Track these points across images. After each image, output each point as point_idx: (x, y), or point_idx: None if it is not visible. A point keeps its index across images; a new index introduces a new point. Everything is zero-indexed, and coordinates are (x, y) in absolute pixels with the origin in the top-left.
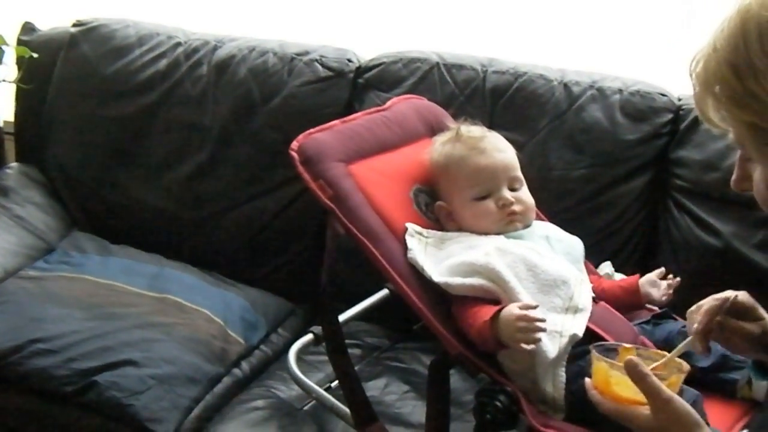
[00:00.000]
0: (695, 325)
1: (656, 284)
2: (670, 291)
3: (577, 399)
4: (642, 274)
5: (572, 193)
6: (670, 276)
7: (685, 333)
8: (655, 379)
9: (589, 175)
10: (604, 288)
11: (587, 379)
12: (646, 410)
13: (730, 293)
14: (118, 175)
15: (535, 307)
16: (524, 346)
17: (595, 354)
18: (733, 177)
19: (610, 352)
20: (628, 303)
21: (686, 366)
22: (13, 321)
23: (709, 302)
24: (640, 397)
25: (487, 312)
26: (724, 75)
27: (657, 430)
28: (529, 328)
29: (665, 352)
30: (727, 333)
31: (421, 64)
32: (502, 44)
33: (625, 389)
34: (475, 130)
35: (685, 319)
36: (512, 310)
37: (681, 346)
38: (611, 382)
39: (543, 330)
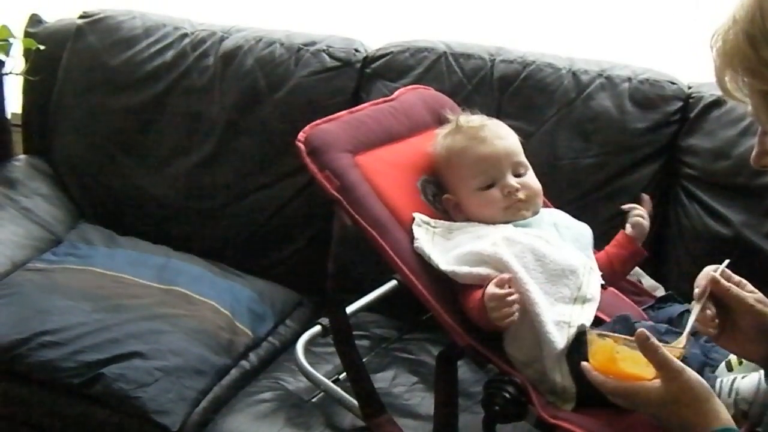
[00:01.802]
0: (696, 290)
1: (635, 216)
2: (696, 290)
3: (586, 386)
4: (649, 259)
5: (581, 183)
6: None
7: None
8: (666, 351)
9: (599, 164)
10: (600, 260)
11: (584, 363)
12: (655, 384)
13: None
14: (125, 166)
15: (508, 279)
16: (506, 322)
17: (596, 333)
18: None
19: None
20: (630, 254)
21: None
22: (20, 313)
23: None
24: (647, 373)
25: (479, 291)
26: (741, 45)
27: (668, 403)
28: (499, 306)
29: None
30: (730, 324)
31: (428, 54)
32: (509, 33)
33: (632, 365)
34: (474, 120)
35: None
36: (488, 289)
37: (689, 326)
38: (617, 358)
39: (513, 302)
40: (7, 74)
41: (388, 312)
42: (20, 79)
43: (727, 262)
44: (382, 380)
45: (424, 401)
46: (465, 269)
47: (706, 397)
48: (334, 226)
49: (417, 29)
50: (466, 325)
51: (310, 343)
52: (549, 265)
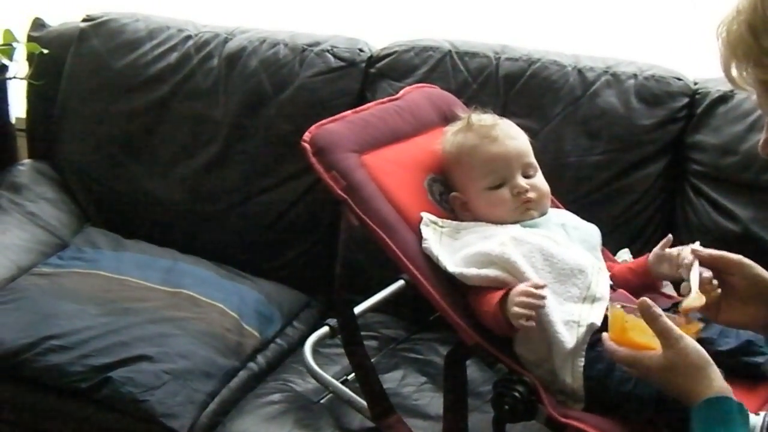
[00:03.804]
0: (684, 261)
1: (664, 258)
2: (685, 261)
3: (595, 385)
4: None
5: (588, 180)
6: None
7: None
8: (667, 319)
9: (605, 162)
10: (614, 273)
11: (604, 333)
12: (657, 353)
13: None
14: (130, 169)
15: (542, 286)
16: (522, 322)
17: (611, 303)
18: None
19: (632, 310)
20: (641, 284)
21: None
22: (27, 318)
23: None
24: (654, 342)
25: (498, 294)
26: (743, 35)
27: (667, 370)
28: (527, 303)
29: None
30: (724, 296)
31: (433, 53)
32: (514, 31)
33: (640, 334)
34: (486, 118)
35: None
36: (518, 287)
37: (693, 290)
38: (627, 327)
39: (541, 306)
40: (10, 79)
41: (396, 312)
42: (24, 84)
43: (697, 243)
44: (390, 381)
45: (434, 401)
46: (473, 271)
47: (702, 365)
48: (341, 227)
49: (421, 28)
50: (474, 325)
51: (318, 344)
52: (557, 265)
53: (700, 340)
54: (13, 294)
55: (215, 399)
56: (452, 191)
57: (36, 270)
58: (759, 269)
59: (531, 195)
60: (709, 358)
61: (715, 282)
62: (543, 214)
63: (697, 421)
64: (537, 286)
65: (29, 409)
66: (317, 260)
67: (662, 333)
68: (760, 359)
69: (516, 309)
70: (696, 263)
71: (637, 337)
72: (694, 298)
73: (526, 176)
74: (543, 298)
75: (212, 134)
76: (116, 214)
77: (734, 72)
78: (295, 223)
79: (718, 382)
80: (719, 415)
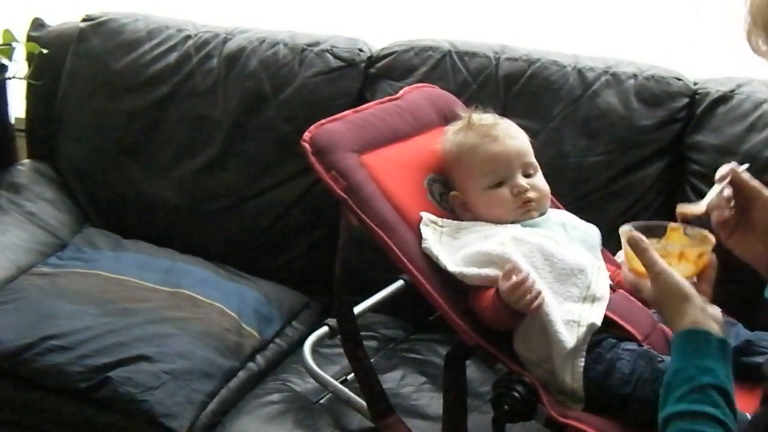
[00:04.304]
0: (718, 174)
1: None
2: (718, 174)
3: (595, 387)
4: None
5: (588, 180)
6: None
7: None
8: (653, 254)
9: (605, 162)
10: (613, 273)
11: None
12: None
13: None
14: (130, 169)
15: (511, 269)
16: (534, 306)
17: (624, 229)
18: None
19: (655, 229)
20: None
21: (711, 238)
22: (26, 318)
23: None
24: None
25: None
26: (762, 5)
27: (655, 302)
28: (519, 295)
29: (710, 236)
30: (743, 223)
31: (432, 53)
32: (514, 31)
33: (640, 264)
34: (487, 118)
35: None
36: (500, 287)
37: (708, 198)
38: (630, 257)
39: (531, 286)
40: (10, 78)
41: (396, 312)
42: (23, 84)
43: (746, 165)
44: (390, 381)
45: (433, 401)
46: (473, 270)
47: (680, 300)
48: (341, 227)
49: (421, 28)
50: (474, 325)
51: (318, 344)
52: (557, 265)
53: None
54: (13, 294)
55: (214, 399)
56: (452, 191)
57: (35, 270)
58: None
59: (531, 195)
60: (690, 292)
61: (731, 203)
62: (543, 214)
63: (673, 351)
64: (510, 274)
65: (28, 409)
66: (317, 260)
67: (647, 266)
68: (759, 359)
69: (520, 304)
70: (725, 182)
71: (639, 265)
72: (693, 206)
73: (527, 176)
74: (524, 279)
75: (212, 134)
76: (115, 214)
77: (753, 41)
78: (294, 223)
79: (693, 317)
80: (693, 346)
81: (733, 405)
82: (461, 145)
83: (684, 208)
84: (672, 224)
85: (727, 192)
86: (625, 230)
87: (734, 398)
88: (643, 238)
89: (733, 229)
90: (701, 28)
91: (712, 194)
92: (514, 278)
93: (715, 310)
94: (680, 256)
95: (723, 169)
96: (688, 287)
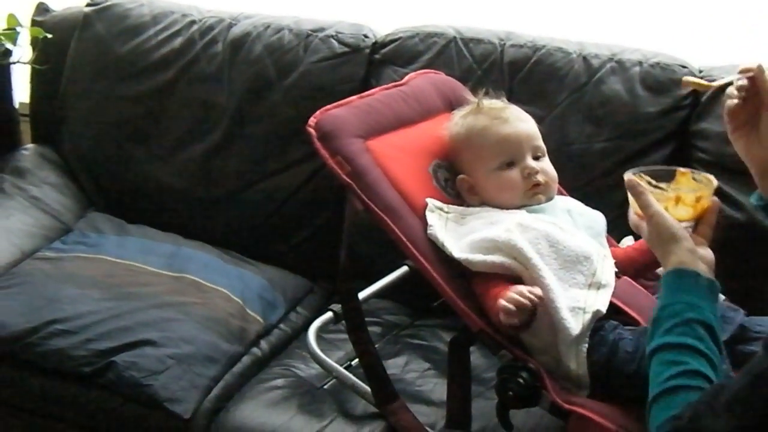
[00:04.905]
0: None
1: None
2: (742, 66)
3: (599, 369)
4: None
5: (592, 167)
6: None
7: None
8: (649, 197)
9: (610, 149)
10: (619, 257)
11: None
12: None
13: None
14: (134, 154)
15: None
16: (502, 317)
17: (628, 174)
18: None
19: (664, 174)
20: (644, 263)
21: (714, 182)
22: (31, 302)
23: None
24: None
25: (502, 289)
26: None
27: (649, 242)
28: (515, 299)
29: (713, 179)
30: (752, 123)
31: (438, 39)
32: (519, 18)
33: None
34: (495, 102)
35: None
36: (517, 287)
37: (721, 81)
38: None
39: (526, 305)
40: (14, 63)
41: (400, 298)
42: (28, 68)
43: None
44: (394, 366)
45: (437, 387)
46: (479, 257)
47: (668, 240)
48: (346, 212)
49: (426, 14)
50: (479, 311)
51: (322, 329)
52: (563, 251)
53: None
54: (17, 278)
55: (219, 384)
56: (458, 176)
57: (39, 254)
58: None
59: (540, 178)
60: (679, 233)
61: (739, 93)
62: (550, 199)
63: (662, 289)
64: (533, 292)
65: (32, 393)
66: (321, 246)
67: (642, 209)
68: (754, 346)
69: (502, 302)
70: (746, 74)
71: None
72: (699, 81)
73: (536, 159)
74: (534, 300)
75: (216, 119)
76: (120, 199)
77: None
78: (299, 208)
79: (680, 257)
80: (680, 285)
81: (718, 342)
82: (471, 128)
83: (690, 78)
84: (680, 169)
85: (743, 83)
86: (628, 175)
87: (720, 336)
88: (640, 182)
89: (742, 125)
90: (706, 16)
91: (727, 79)
92: (524, 289)
93: (707, 252)
94: (677, 199)
95: (747, 64)
96: (677, 228)
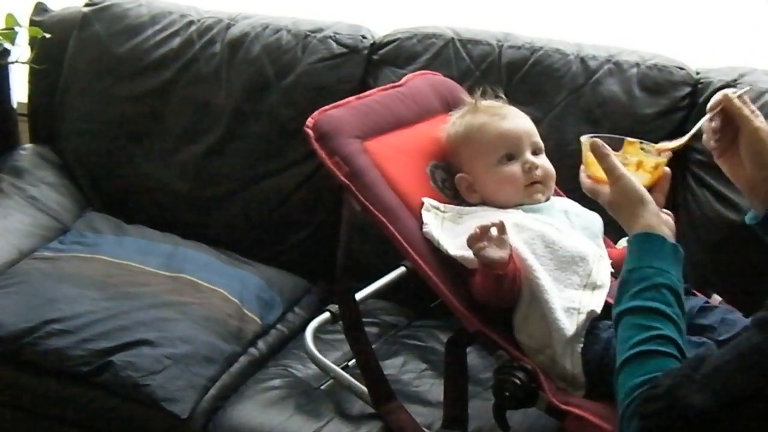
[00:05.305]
0: (709, 103)
1: None
2: (714, 99)
3: (594, 367)
4: None
5: None
6: None
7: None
8: (614, 159)
9: None
10: (615, 258)
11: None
12: (608, 188)
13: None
14: (132, 154)
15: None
16: (479, 248)
17: (584, 138)
18: None
19: (613, 141)
20: None
21: (669, 152)
22: (28, 302)
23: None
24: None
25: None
26: None
27: (613, 205)
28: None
29: (668, 148)
30: (734, 147)
31: (435, 40)
32: (517, 19)
33: (599, 170)
34: (493, 101)
35: (705, 294)
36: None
37: (694, 130)
38: (589, 162)
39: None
40: (12, 63)
41: (397, 299)
42: (26, 68)
43: (747, 88)
44: (391, 367)
45: (434, 388)
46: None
47: (635, 203)
48: (343, 213)
49: (424, 15)
50: (476, 311)
51: (319, 330)
52: (559, 252)
53: (701, 328)
54: (14, 278)
55: (216, 384)
56: (455, 177)
57: (37, 254)
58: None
59: (539, 173)
60: (646, 197)
61: (717, 135)
62: (548, 198)
63: (628, 252)
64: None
65: (30, 392)
66: (319, 246)
67: (607, 171)
68: None
69: (480, 250)
70: (709, 115)
71: (598, 171)
72: (675, 141)
73: (534, 155)
74: (496, 222)
75: (214, 120)
76: (118, 199)
77: None
78: (296, 208)
79: (648, 220)
80: (648, 248)
81: (683, 307)
82: (469, 126)
83: (663, 145)
84: (628, 138)
85: (715, 123)
86: (586, 138)
87: (684, 302)
88: (605, 144)
89: (724, 150)
90: (704, 18)
91: (698, 125)
92: (478, 231)
93: (668, 218)
94: (638, 165)
95: (715, 99)
96: (644, 192)
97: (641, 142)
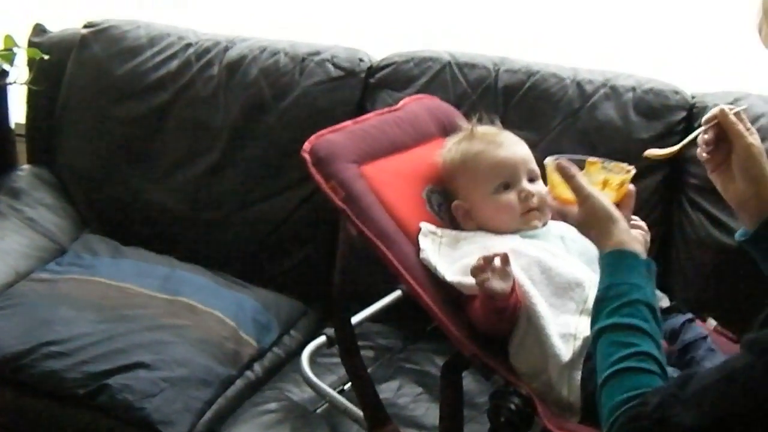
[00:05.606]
0: (709, 113)
1: None
2: (709, 113)
3: (593, 398)
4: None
5: None
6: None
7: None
8: (581, 179)
9: None
10: None
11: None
12: (576, 208)
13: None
14: (130, 176)
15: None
16: (482, 279)
17: (548, 160)
18: None
19: (574, 162)
20: None
21: (632, 169)
22: (25, 323)
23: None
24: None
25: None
26: None
27: (582, 225)
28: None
29: (630, 167)
30: (727, 162)
31: (432, 64)
32: (514, 43)
33: (565, 191)
34: (489, 128)
35: (700, 319)
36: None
37: (686, 140)
38: (555, 184)
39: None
40: (11, 84)
41: (393, 322)
42: (24, 89)
43: (745, 107)
44: (387, 391)
45: (429, 412)
46: (471, 280)
47: (607, 221)
48: (340, 237)
49: (421, 39)
50: (472, 335)
51: (315, 353)
52: (555, 279)
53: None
54: (11, 299)
55: (212, 407)
56: (451, 202)
57: (34, 276)
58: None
59: (536, 200)
60: (616, 214)
61: (710, 147)
62: (545, 224)
63: (604, 269)
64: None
65: (26, 414)
66: (315, 269)
67: (575, 191)
68: None
69: (479, 276)
70: (703, 128)
71: (563, 193)
72: (663, 151)
73: (530, 182)
74: (499, 253)
75: (212, 142)
76: (115, 221)
77: (764, 34)
78: (293, 231)
79: (619, 237)
80: (622, 265)
81: (659, 322)
82: (466, 153)
83: (653, 152)
84: (590, 158)
85: (709, 136)
86: (551, 160)
87: (660, 316)
88: (572, 164)
89: (717, 165)
90: (699, 42)
91: (691, 137)
92: (482, 261)
93: (638, 233)
94: (604, 183)
95: (711, 112)
96: (614, 210)
97: (603, 161)
